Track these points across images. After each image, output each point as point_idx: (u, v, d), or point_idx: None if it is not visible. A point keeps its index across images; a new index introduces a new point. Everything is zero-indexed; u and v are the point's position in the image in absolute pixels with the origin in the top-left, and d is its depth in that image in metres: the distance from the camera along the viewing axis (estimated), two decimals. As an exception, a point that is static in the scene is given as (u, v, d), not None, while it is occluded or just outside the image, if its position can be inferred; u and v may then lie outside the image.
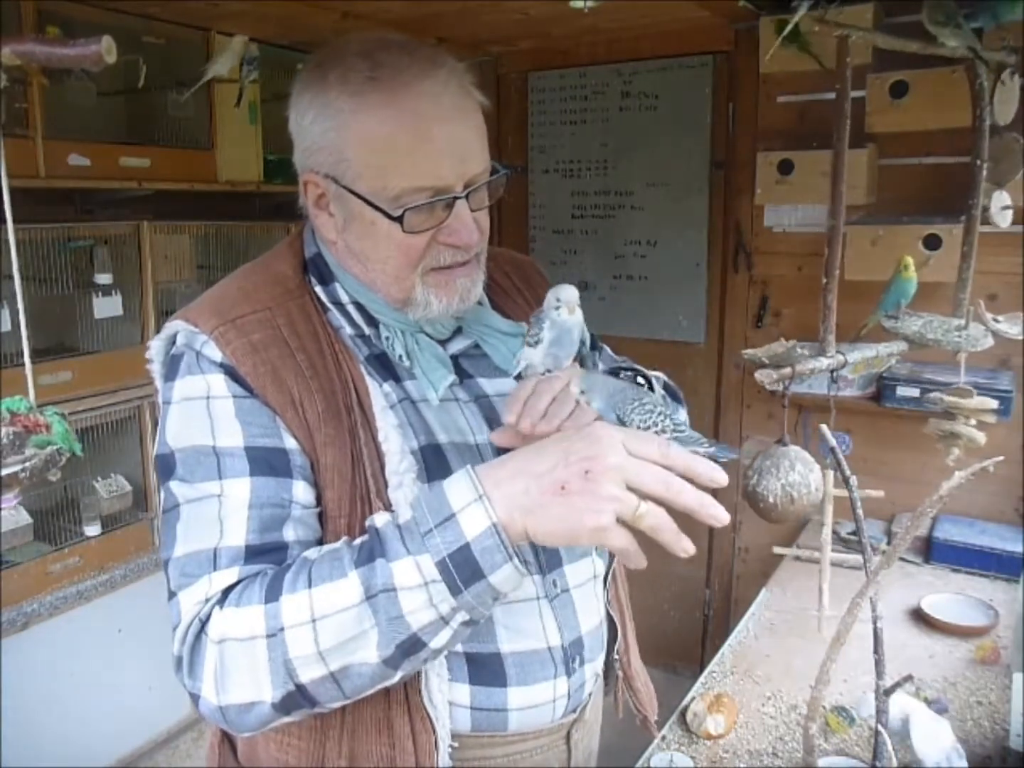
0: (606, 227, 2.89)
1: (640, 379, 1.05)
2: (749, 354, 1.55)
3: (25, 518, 2.03)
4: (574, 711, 1.04)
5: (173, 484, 0.88)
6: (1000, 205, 1.84)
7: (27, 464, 0.77)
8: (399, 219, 0.89)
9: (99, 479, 2.21)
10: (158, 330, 0.97)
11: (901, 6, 1.86)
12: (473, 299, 0.98)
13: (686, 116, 2.67)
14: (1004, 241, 2.16)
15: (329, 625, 0.77)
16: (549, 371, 0.95)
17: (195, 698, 0.82)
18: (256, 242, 2.50)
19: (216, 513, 0.85)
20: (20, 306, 0.84)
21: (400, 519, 0.79)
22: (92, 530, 2.19)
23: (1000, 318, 1.70)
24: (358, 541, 0.81)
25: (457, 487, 0.77)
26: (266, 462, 0.87)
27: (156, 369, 0.96)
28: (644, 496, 0.75)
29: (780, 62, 2.00)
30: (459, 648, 0.93)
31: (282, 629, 0.77)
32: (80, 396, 2.10)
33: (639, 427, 0.84)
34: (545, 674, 0.98)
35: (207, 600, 0.82)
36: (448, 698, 0.94)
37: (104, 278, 2.17)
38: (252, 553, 0.84)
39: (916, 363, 2.24)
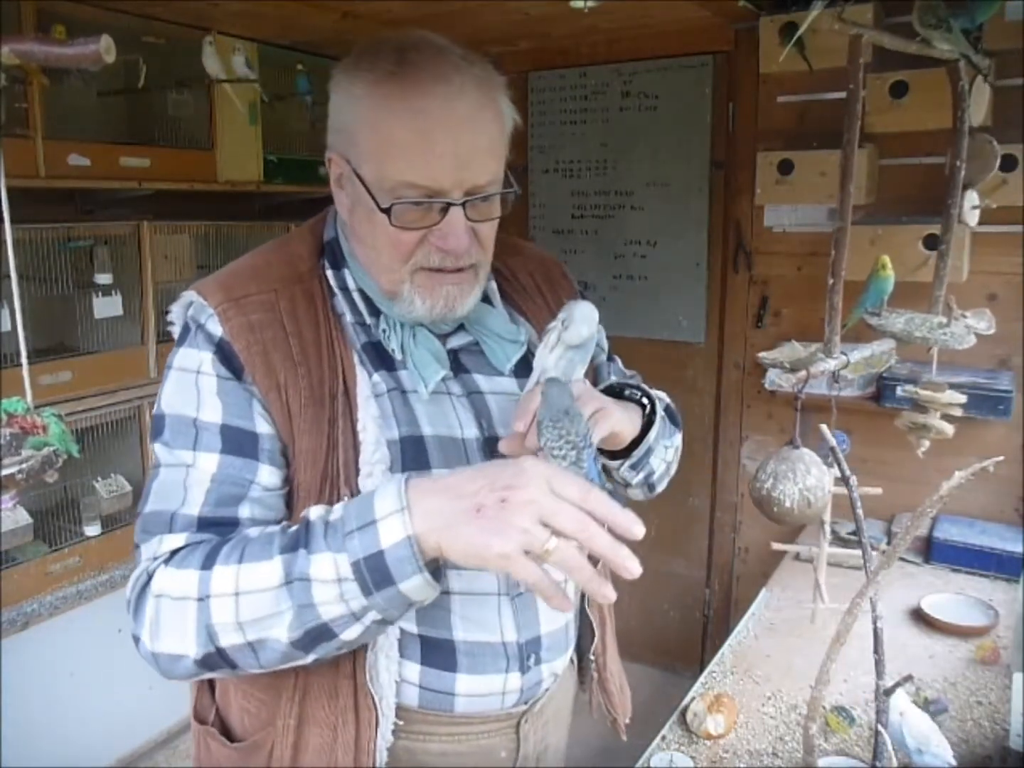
0: (606, 227, 2.89)
1: (644, 399, 1.06)
2: (768, 359, 1.54)
3: (25, 518, 2.03)
4: (526, 703, 1.05)
5: (158, 446, 0.95)
6: (970, 205, 1.85)
7: (24, 466, 0.77)
8: (387, 211, 0.92)
9: (99, 479, 2.21)
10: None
11: (899, 6, 1.86)
12: (461, 309, 0.99)
13: (686, 116, 2.67)
14: (1004, 241, 2.16)
15: (249, 600, 0.82)
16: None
17: (136, 639, 0.89)
18: (256, 242, 2.47)
19: (183, 480, 0.92)
20: (18, 306, 0.84)
21: (331, 515, 0.83)
22: (92, 530, 2.19)
23: (967, 314, 1.72)
24: (293, 528, 0.85)
25: (385, 495, 0.80)
26: (237, 442, 0.92)
27: (176, 332, 1.01)
28: (560, 534, 0.76)
29: (780, 62, 2.00)
30: (413, 629, 0.97)
31: (209, 596, 0.83)
32: (80, 396, 2.10)
33: (543, 446, 0.87)
34: (496, 667, 1.00)
35: (155, 558, 0.89)
36: (398, 673, 0.97)
37: (104, 278, 2.17)
38: (204, 524, 0.90)
39: (916, 363, 2.24)
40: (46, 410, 0.84)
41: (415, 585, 0.79)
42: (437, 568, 0.81)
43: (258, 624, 0.82)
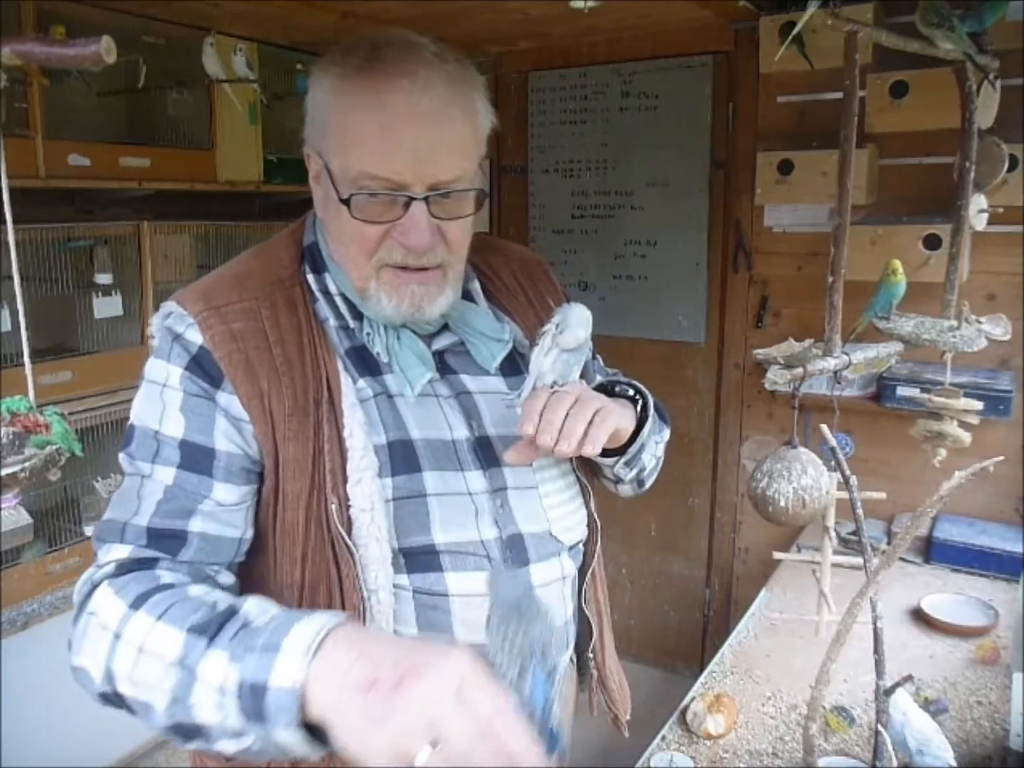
0: (606, 227, 2.89)
1: (637, 394, 1.06)
2: (762, 354, 1.54)
3: (25, 518, 2.03)
4: None
5: (123, 455, 0.94)
6: (977, 208, 1.84)
7: (27, 464, 0.77)
8: (347, 201, 0.91)
9: (99, 479, 2.21)
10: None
11: (900, 6, 1.86)
12: (430, 310, 0.97)
13: (686, 116, 2.68)
14: (1004, 241, 2.16)
15: (145, 662, 0.78)
16: (556, 383, 0.96)
17: (69, 645, 0.86)
18: (256, 242, 2.44)
19: (138, 491, 0.91)
20: (20, 306, 0.84)
21: (259, 616, 0.76)
22: (92, 530, 2.18)
23: (982, 319, 1.71)
24: (224, 606, 0.79)
25: (307, 625, 0.72)
26: (194, 458, 0.91)
27: (155, 344, 1.00)
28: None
29: (780, 62, 2.00)
30: (415, 635, 0.95)
31: (120, 638, 0.80)
32: (80, 396, 2.10)
33: (487, 651, 0.69)
34: None
35: (100, 567, 0.87)
36: None
37: (104, 278, 2.17)
38: (153, 535, 0.89)
39: (916, 363, 2.24)
40: (49, 409, 0.84)
41: (289, 739, 0.69)
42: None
43: (146, 689, 0.78)
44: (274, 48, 2.50)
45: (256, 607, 0.78)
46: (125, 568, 0.87)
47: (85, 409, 2.11)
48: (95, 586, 0.86)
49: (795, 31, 1.50)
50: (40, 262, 2.02)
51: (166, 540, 0.89)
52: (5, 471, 0.75)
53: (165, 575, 0.86)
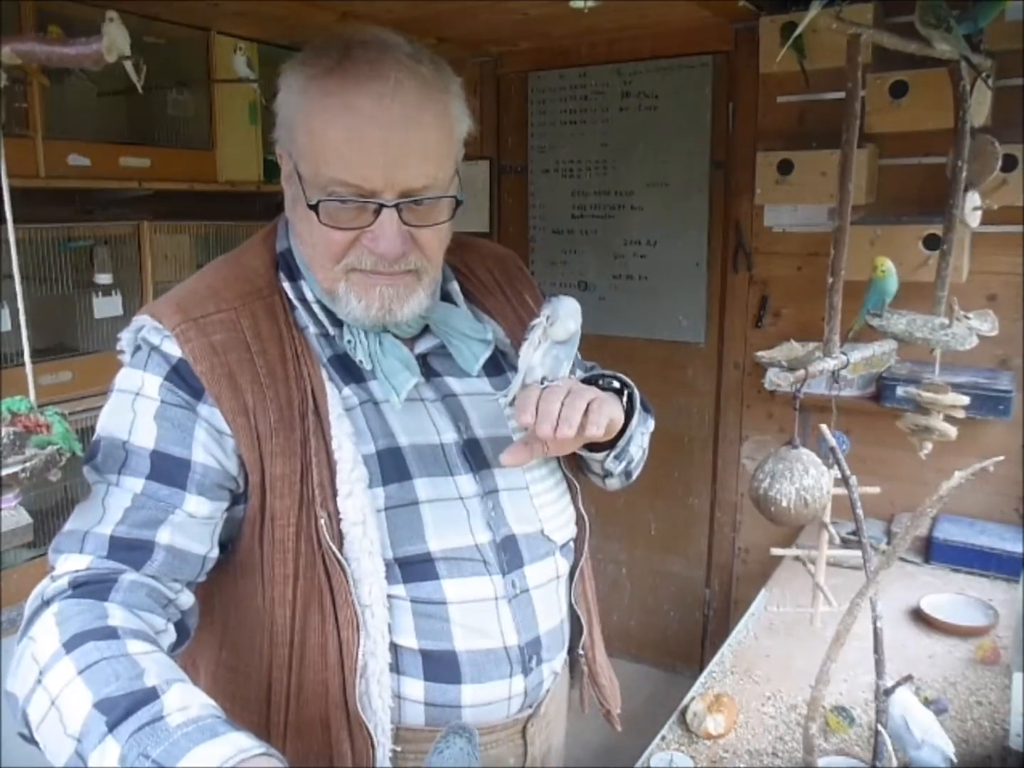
0: (606, 227, 2.89)
1: (616, 382, 1.05)
2: (766, 357, 1.54)
3: (25, 518, 2.02)
4: (530, 707, 1.04)
5: (87, 468, 0.91)
6: (971, 206, 1.85)
7: (27, 464, 0.77)
8: (315, 207, 0.90)
9: (99, 479, 2.21)
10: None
11: (899, 6, 1.86)
12: (400, 312, 0.95)
13: (686, 116, 2.68)
14: (1004, 241, 2.16)
15: (52, 721, 0.73)
16: (546, 378, 0.96)
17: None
18: (256, 242, 2.50)
19: (103, 499, 0.88)
20: (20, 306, 0.84)
21: (174, 715, 0.70)
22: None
23: (971, 315, 1.71)
24: (148, 684, 0.73)
25: (209, 751, 0.67)
26: (166, 470, 0.88)
27: (127, 360, 0.98)
28: None
29: (780, 62, 2.00)
30: (414, 645, 0.95)
31: (40, 682, 0.75)
32: (80, 396, 2.10)
33: None
34: (500, 672, 0.98)
35: (54, 579, 0.83)
36: (399, 692, 0.95)
37: (104, 278, 2.17)
38: (116, 545, 0.85)
39: (915, 363, 2.24)
40: (49, 409, 0.84)
41: None
42: None
43: (49, 750, 0.73)
44: (274, 48, 2.51)
45: (177, 699, 0.72)
46: (78, 584, 0.82)
47: (85, 409, 2.11)
48: (45, 603, 0.82)
49: (796, 33, 1.50)
50: (40, 262, 2.03)
51: (130, 551, 0.85)
52: (5, 471, 0.75)
53: (115, 612, 0.80)
